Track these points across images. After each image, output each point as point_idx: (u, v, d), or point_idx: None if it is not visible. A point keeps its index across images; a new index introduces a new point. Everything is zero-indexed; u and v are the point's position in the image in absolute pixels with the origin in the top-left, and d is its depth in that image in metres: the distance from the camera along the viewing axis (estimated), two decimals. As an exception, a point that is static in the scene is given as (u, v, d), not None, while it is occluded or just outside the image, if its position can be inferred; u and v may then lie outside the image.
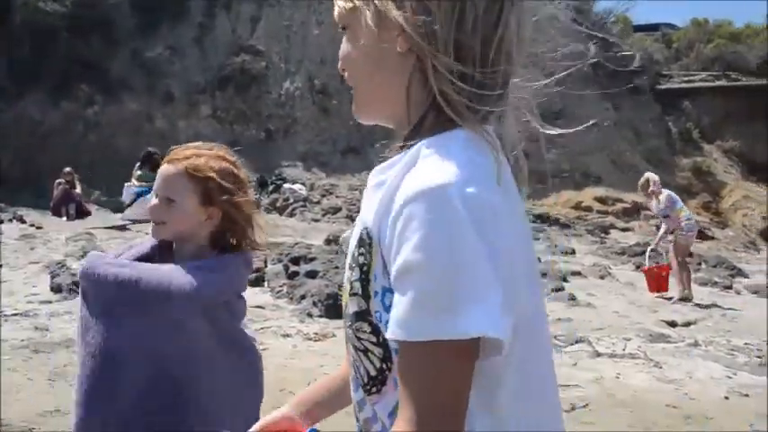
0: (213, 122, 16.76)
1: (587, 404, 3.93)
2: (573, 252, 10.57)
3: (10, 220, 10.39)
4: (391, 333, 0.75)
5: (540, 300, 0.89)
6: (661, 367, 4.72)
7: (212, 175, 1.69)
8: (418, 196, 0.73)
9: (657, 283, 7.44)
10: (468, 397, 0.75)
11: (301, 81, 18.40)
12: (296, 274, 6.22)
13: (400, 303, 0.74)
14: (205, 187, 1.69)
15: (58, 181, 12.28)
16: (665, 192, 7.74)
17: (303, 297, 5.66)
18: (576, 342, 5.24)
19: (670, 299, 7.24)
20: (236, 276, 1.75)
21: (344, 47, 0.89)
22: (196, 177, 1.69)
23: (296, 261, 6.52)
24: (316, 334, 4.89)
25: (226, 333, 1.70)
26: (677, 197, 7.87)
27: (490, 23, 0.79)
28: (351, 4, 0.86)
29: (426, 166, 0.75)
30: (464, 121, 0.78)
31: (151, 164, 12.60)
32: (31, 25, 15.43)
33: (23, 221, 10.57)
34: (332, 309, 5.46)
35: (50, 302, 5.55)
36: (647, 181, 7.79)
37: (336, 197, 14.30)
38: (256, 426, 1.10)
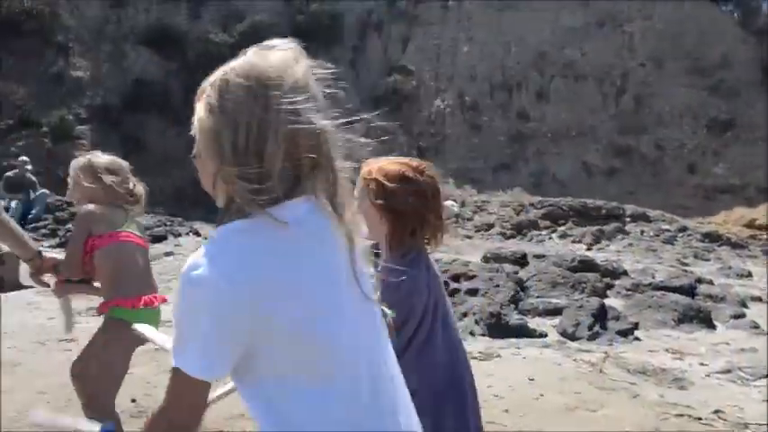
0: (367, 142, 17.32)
1: (788, 447, 3.54)
2: (749, 275, 9.68)
3: (187, 234, 11.31)
4: None
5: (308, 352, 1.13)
6: None
7: (376, 176, 1.84)
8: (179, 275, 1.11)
9: None
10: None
11: (451, 98, 18.51)
12: (456, 291, 6.20)
13: None
14: (370, 188, 1.85)
15: (228, 198, 13.23)
16: None
17: (465, 315, 5.63)
18: (766, 376, 4.76)
19: None
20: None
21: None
22: (365, 180, 1.86)
23: (456, 278, 6.51)
24: (480, 353, 4.82)
25: None
26: None
27: (260, 153, 1.10)
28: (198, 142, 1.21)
29: (193, 253, 1.12)
30: (250, 209, 1.11)
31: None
32: (203, 56, 16.84)
33: (198, 234, 11.47)
34: (494, 328, 5.37)
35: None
36: None
37: (489, 213, 14.16)
38: None
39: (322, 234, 1.16)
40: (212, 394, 2.50)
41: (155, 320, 2.77)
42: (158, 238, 10.55)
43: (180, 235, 11.19)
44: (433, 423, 1.90)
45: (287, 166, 1.12)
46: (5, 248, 7.51)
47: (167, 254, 9.15)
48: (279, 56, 1.16)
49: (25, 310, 5.87)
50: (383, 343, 1.28)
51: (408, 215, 1.86)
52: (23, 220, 10.10)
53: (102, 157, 2.81)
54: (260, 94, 1.13)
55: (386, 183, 1.85)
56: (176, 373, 1.12)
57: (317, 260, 1.15)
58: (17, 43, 15.04)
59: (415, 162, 1.92)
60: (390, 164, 1.88)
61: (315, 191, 1.16)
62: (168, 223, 11.84)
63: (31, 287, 5.57)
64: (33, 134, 15.03)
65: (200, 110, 1.19)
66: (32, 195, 11.08)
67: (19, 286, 6.59)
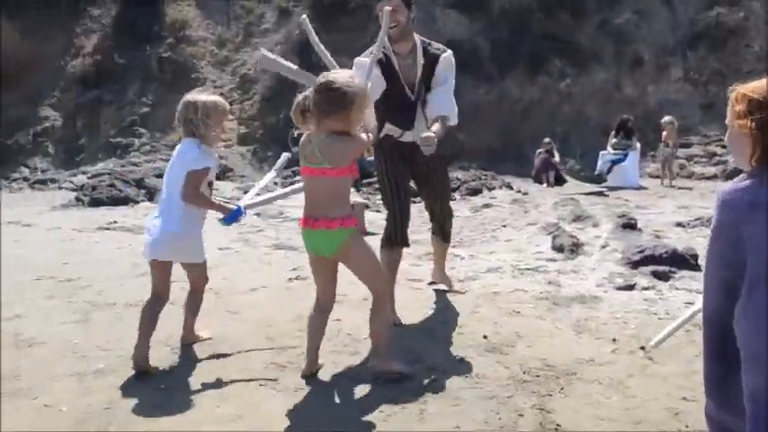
0: (685, 85, 15.86)
1: None
2: None
3: (500, 187, 11.73)
4: None
5: None
6: None
7: (742, 93, 1.74)
8: None
9: None
10: None
11: (790, 28, 15.97)
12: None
13: None
14: (735, 110, 1.76)
15: (538, 151, 13.31)
16: None
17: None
18: None
19: None
20: None
21: None
22: (733, 104, 1.77)
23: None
24: None
25: None
26: None
27: None
28: None
29: None
30: None
31: (625, 131, 12.68)
32: (507, 11, 16.95)
33: (511, 188, 11.82)
34: None
35: (555, 260, 6.01)
36: None
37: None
38: None
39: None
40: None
41: None
42: (474, 192, 11.14)
43: (494, 188, 11.65)
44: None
45: None
46: (358, 199, 8.57)
47: (485, 206, 9.63)
48: None
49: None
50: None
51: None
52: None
53: None
54: None
55: (752, 96, 1.71)
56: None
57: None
58: (345, 20, 16.83)
59: None
60: (758, 82, 1.75)
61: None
62: (482, 177, 12.38)
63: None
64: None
65: None
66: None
67: (365, 234, 7.57)
